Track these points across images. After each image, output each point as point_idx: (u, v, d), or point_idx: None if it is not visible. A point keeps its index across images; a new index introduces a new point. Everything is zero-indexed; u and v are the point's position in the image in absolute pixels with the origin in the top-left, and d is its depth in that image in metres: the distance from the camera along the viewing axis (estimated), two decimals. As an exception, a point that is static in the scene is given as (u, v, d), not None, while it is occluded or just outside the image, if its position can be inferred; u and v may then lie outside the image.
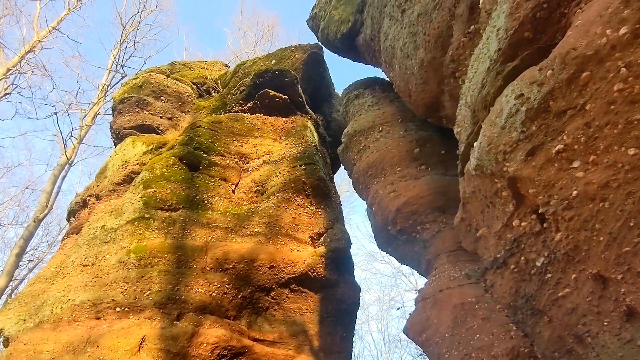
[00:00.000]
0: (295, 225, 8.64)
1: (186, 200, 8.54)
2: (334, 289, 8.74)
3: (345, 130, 7.26)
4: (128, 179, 10.00)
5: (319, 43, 12.08)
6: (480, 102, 3.23)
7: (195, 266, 7.94)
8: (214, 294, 7.86)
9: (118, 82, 24.33)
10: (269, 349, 8.41)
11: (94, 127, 26.31)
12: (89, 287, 7.84)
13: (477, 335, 4.53)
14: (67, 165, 22.90)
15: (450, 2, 3.91)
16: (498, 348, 4.18)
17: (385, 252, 7.63)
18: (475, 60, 3.45)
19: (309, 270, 8.36)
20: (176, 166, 8.78)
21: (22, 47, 21.73)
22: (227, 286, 7.98)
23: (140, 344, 7.19)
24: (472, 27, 3.79)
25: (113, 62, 26.55)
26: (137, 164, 9.89)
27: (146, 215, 8.21)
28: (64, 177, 23.16)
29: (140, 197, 8.46)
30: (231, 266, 8.02)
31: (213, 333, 7.52)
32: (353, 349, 9.35)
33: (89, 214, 11.28)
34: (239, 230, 8.36)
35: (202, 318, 7.61)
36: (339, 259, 8.65)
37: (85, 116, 25.39)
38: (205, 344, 7.44)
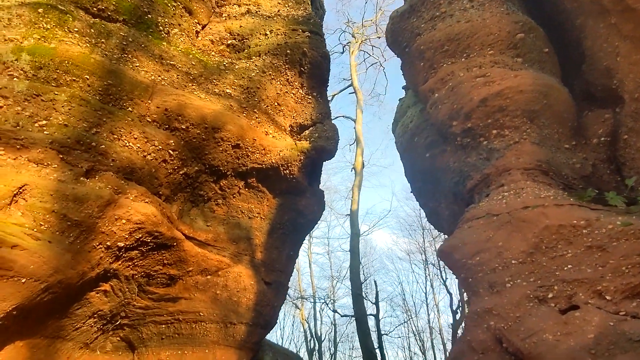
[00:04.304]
0: (278, 105, 6.56)
1: (132, 13, 5.59)
2: (298, 197, 7.08)
3: (421, -15, 5.43)
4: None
5: None
6: None
7: (131, 110, 5.29)
8: (149, 157, 5.40)
9: None
10: (199, 249, 6.39)
11: None
12: None
13: (570, 266, 3.60)
14: None
15: None
16: (612, 283, 3.32)
17: (408, 159, 6.19)
18: None
19: (281, 165, 6.48)
20: (125, -43, 5.64)
21: None
22: (171, 152, 5.59)
23: (15, 195, 4.44)
24: None
25: None
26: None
27: (61, 7, 5.07)
28: None
29: (53, -21, 5.20)
30: (184, 127, 5.61)
31: (140, 209, 5.17)
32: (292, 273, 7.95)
33: None
34: (204, 84, 5.90)
35: (126, 185, 5.16)
36: (319, 161, 6.98)
37: None
38: (125, 221, 5.07)
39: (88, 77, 4.93)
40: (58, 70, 4.78)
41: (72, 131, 4.77)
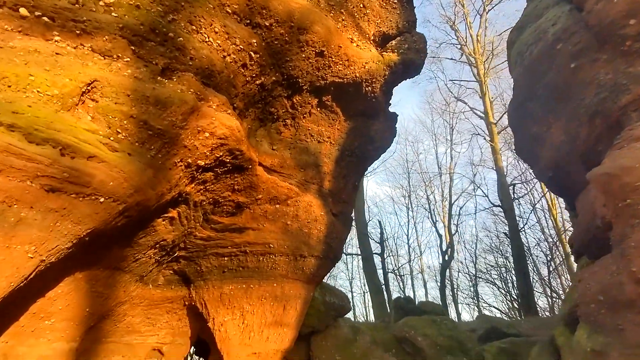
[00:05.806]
0: (363, 7, 5.52)
1: None
2: (372, 120, 6.30)
3: None
4: None
5: None
6: None
7: (209, -7, 4.20)
8: (228, 59, 4.43)
9: None
10: (269, 175, 5.66)
11: None
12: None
13: None
14: None
15: None
16: None
17: (534, 74, 5.34)
18: None
19: (365, 80, 5.61)
20: None
21: None
22: (252, 55, 4.61)
23: (84, 93, 3.48)
24: None
25: None
26: None
27: None
28: None
29: None
30: (267, 23, 4.58)
31: (225, 121, 4.31)
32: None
33: None
34: (288, -29, 4.78)
35: (207, 91, 4.23)
36: (403, 78, 6.12)
37: None
38: (208, 134, 4.22)
39: (161, -58, 3.77)
40: None
41: (146, 15, 3.73)
